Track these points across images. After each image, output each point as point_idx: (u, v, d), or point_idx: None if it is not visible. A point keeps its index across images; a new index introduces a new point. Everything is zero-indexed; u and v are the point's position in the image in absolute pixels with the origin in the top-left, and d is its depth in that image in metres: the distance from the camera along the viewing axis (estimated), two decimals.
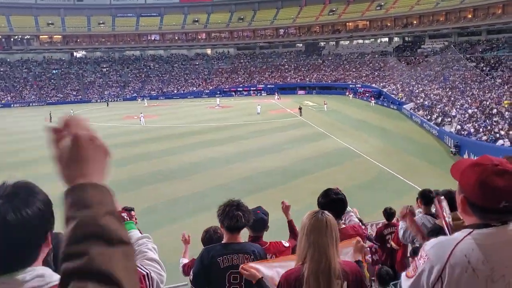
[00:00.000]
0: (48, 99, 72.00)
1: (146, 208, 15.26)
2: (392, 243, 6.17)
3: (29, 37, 79.66)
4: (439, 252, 1.61)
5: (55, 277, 1.34)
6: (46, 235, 1.36)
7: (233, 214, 3.15)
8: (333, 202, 3.34)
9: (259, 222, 3.68)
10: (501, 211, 1.58)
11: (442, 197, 2.64)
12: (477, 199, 1.60)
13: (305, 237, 2.28)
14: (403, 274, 1.81)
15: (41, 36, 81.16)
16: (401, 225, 5.04)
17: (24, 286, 1.28)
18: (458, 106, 35.50)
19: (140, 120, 41.38)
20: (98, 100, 72.81)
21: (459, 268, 1.55)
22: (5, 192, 1.31)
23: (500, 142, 24.56)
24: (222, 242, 3.33)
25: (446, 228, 2.30)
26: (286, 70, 78.37)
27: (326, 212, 2.35)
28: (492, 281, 1.53)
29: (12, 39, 78.84)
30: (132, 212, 6.28)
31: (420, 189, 5.63)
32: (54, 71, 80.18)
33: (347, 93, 62.88)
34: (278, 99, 62.96)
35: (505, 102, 31.92)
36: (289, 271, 2.40)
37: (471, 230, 1.62)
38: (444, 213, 2.39)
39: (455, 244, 1.59)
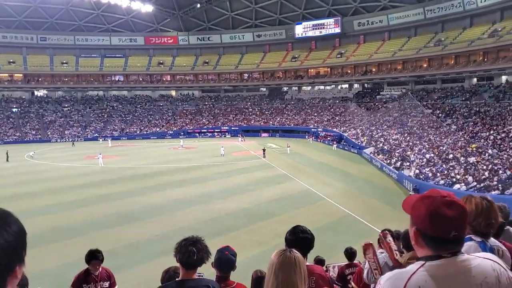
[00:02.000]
0: (6, 138, 69.48)
1: (106, 252, 14.66)
2: (352, 283, 6.22)
3: None
4: (394, 285, 1.66)
5: None
6: (13, 268, 1.31)
7: (186, 249, 3.08)
8: (300, 240, 3.40)
9: (227, 262, 3.65)
10: (451, 241, 1.66)
11: (387, 232, 2.76)
12: (428, 230, 1.68)
13: (273, 276, 2.23)
14: None
15: (1, 74, 79.25)
16: (366, 265, 5.12)
17: None
18: (416, 151, 36.89)
19: (99, 160, 40.37)
20: (58, 140, 70.97)
21: None
22: None
23: (457, 186, 25.59)
24: (177, 279, 3.24)
25: (392, 262, 2.37)
26: (250, 113, 79.52)
27: (294, 250, 2.34)
28: None
29: None
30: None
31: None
32: (14, 110, 77.95)
33: (307, 137, 64.33)
34: (242, 141, 63.42)
35: (472, 146, 33.39)
36: None
37: (424, 262, 1.69)
38: (391, 247, 2.48)
39: (409, 276, 1.65)
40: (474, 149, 32.34)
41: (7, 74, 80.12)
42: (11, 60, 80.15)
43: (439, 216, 1.66)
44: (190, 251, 3.07)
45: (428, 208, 1.68)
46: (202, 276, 3.45)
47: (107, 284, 6.19)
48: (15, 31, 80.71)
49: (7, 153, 45.35)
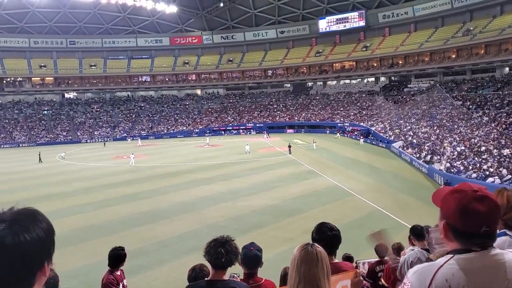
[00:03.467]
0: (38, 139, 71.74)
1: (136, 250, 14.94)
2: (382, 280, 6.10)
3: (21, 79, 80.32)
4: (421, 278, 1.64)
5: None
6: (43, 263, 1.36)
7: (215, 251, 3.09)
8: (327, 238, 3.34)
9: (253, 258, 3.65)
10: (481, 236, 1.61)
11: (431, 229, 2.70)
12: (458, 225, 1.64)
13: (296, 270, 2.23)
14: None
15: (33, 78, 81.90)
16: (401, 262, 5.02)
17: None
18: (447, 144, 35.99)
19: (130, 159, 41.13)
20: (88, 141, 72.78)
21: None
22: (9, 217, 1.34)
23: (490, 179, 24.78)
24: (206, 279, 3.27)
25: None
26: (275, 110, 79.41)
27: (316, 244, 2.33)
28: None
29: (4, 81, 79.38)
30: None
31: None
32: (45, 112, 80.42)
33: (333, 132, 63.92)
34: (267, 137, 63.39)
35: None
36: None
37: (452, 255, 1.65)
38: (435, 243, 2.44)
39: (436, 269, 1.62)
40: None
41: (39, 78, 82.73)
42: (42, 64, 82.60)
43: (470, 211, 1.61)
44: (219, 252, 3.08)
45: (458, 203, 1.64)
46: (236, 276, 3.45)
47: (125, 282, 6.25)
48: (45, 36, 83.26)
49: (39, 154, 46.76)
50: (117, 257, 5.96)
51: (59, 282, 4.18)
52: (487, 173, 26.30)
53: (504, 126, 36.44)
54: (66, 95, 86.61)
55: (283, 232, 17.81)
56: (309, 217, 19.37)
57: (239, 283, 3.26)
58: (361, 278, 2.91)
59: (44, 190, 28.75)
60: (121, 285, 6.00)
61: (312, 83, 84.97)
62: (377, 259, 6.91)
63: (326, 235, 3.36)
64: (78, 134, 75.57)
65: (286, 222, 19.24)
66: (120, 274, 6.05)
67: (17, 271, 1.31)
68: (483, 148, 31.51)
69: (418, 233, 5.22)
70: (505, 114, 39.66)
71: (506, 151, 29.22)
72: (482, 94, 49.65)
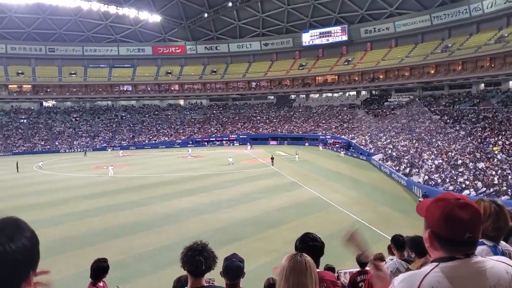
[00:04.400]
0: (15, 149, 70.19)
1: (115, 262, 14.63)
2: None
3: None
4: (408, 286, 1.68)
5: None
6: (28, 273, 1.36)
7: (193, 259, 3.06)
8: (310, 248, 3.36)
9: (235, 270, 3.62)
10: (465, 243, 1.67)
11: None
12: (443, 232, 1.69)
13: (284, 280, 2.23)
14: None
15: (9, 86, 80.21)
16: (388, 264, 5.06)
17: None
18: (425, 157, 36.63)
19: (109, 171, 40.38)
20: (67, 150, 71.49)
21: None
22: None
23: (466, 192, 25.33)
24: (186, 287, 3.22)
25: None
26: (258, 121, 79.64)
27: (304, 254, 2.35)
28: None
29: None
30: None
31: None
32: (22, 121, 78.77)
33: (313, 144, 64.68)
34: (250, 149, 63.42)
35: (495, 148, 33.18)
36: None
37: (437, 263, 1.70)
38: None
39: (422, 277, 1.66)
40: (497, 151, 32.15)
41: (16, 85, 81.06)
42: (20, 71, 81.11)
43: (454, 218, 1.67)
44: (198, 261, 3.04)
45: (442, 211, 1.70)
46: (213, 281, 3.42)
47: None
48: (24, 43, 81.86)
49: (17, 164, 45.76)
50: (100, 269, 5.82)
51: None
52: (463, 185, 26.88)
53: (479, 140, 37.39)
54: (45, 104, 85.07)
55: (266, 243, 17.78)
56: (292, 228, 19.38)
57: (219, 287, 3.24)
58: None
59: (21, 200, 28.11)
60: None
61: (295, 96, 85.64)
62: (358, 269, 6.96)
63: (308, 245, 3.40)
64: (57, 143, 74.15)
65: (269, 234, 19.22)
66: (103, 286, 5.93)
67: (2, 282, 1.29)
68: (459, 162, 32.20)
69: (398, 244, 5.28)
70: (480, 129, 40.72)
71: (481, 165, 29.97)
72: (459, 109, 50.91)
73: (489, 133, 38.60)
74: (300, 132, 71.58)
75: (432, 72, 63.13)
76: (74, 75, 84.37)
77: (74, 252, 17.01)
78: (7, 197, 29.36)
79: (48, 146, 72.76)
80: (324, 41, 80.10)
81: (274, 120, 78.67)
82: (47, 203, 27.03)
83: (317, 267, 3.52)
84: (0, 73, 79.09)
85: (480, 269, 1.66)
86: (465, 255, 1.69)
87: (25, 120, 79.04)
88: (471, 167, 30.06)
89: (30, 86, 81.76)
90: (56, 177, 39.89)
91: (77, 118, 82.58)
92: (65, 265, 15.21)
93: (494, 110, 45.10)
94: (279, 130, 74.67)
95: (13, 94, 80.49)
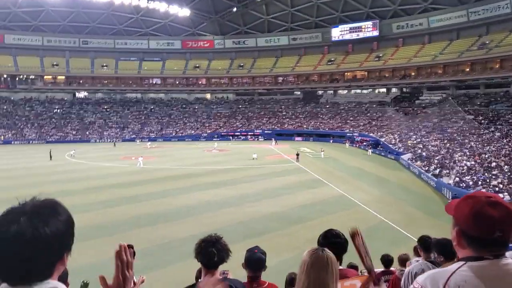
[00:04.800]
0: (48, 137, 72.37)
1: (140, 250, 14.91)
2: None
3: (33, 77, 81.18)
4: (434, 283, 1.64)
5: None
6: (62, 255, 1.43)
7: (206, 251, 3.08)
8: (332, 244, 3.31)
9: (257, 261, 3.65)
10: (494, 242, 1.61)
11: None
12: (472, 230, 1.64)
13: (305, 274, 2.21)
14: None
15: (45, 76, 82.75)
16: (405, 273, 4.95)
17: None
18: (457, 158, 35.68)
19: (138, 162, 41.08)
20: (97, 140, 73.27)
21: None
22: (30, 209, 1.39)
23: (500, 195, 24.52)
24: (200, 280, 3.25)
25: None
26: (284, 117, 79.36)
27: (326, 249, 2.30)
28: None
29: (17, 79, 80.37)
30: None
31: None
32: (56, 110, 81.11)
33: (337, 141, 64.18)
34: (275, 144, 63.31)
35: None
36: None
37: (464, 262, 1.65)
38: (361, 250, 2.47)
39: (449, 275, 1.62)
40: None
41: (50, 77, 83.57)
42: (54, 63, 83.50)
43: (483, 215, 1.61)
44: (210, 252, 3.07)
45: (472, 208, 1.65)
46: (227, 273, 3.44)
47: (135, 279, 6.20)
48: (59, 35, 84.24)
49: (50, 152, 47.15)
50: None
51: (68, 276, 4.21)
52: (497, 189, 26.05)
53: None
54: (77, 94, 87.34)
55: (289, 239, 17.73)
56: (315, 226, 19.25)
57: (234, 281, 3.24)
58: (372, 285, 2.87)
59: (52, 187, 28.90)
60: (132, 282, 5.97)
61: (322, 92, 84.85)
62: (383, 269, 6.85)
63: (331, 241, 3.35)
64: (88, 133, 76.11)
65: (292, 230, 19.16)
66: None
67: (37, 263, 1.37)
68: (493, 164, 31.20)
69: (425, 244, 5.15)
70: None
71: None
72: (495, 109, 49.26)
73: None
74: (327, 129, 70.94)
75: (467, 70, 61.27)
76: (105, 68, 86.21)
77: (101, 239, 17.40)
78: (40, 183, 30.25)
79: (80, 136, 74.73)
80: (354, 36, 78.98)
81: (300, 116, 78.21)
82: (76, 191, 27.74)
83: (340, 264, 3.47)
84: (37, 64, 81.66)
85: (510, 271, 1.60)
86: (494, 256, 1.63)
87: (58, 110, 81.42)
88: (506, 170, 29.08)
89: (64, 77, 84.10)
90: (86, 166, 40.91)
91: (108, 110, 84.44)
92: (91, 252, 15.55)
93: None
94: (305, 126, 74.22)
95: (48, 84, 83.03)
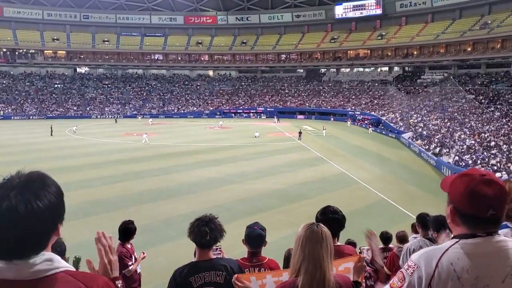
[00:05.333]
0: (49, 113, 72.29)
1: (141, 226, 15.11)
2: (385, 268, 6.14)
3: (33, 51, 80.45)
4: (427, 260, 1.66)
5: (63, 264, 1.44)
6: (56, 225, 1.45)
7: (199, 229, 3.12)
8: (330, 220, 3.37)
9: (257, 237, 3.71)
10: (488, 220, 1.64)
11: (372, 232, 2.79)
12: (466, 208, 1.66)
13: (300, 249, 2.25)
14: (387, 286, 1.83)
15: (45, 51, 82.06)
16: (403, 250, 5.05)
17: (34, 267, 1.38)
18: (457, 137, 35.71)
19: (143, 138, 40.76)
20: (99, 116, 73.17)
21: (445, 276, 1.61)
22: (19, 183, 1.39)
23: (498, 174, 24.60)
24: (193, 260, 3.29)
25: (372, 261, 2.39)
26: (286, 95, 79.03)
27: (321, 224, 2.35)
28: None
29: (17, 53, 79.65)
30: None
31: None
32: (56, 86, 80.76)
33: (338, 119, 64.41)
34: (277, 122, 63.25)
35: None
36: (283, 283, 2.38)
37: (457, 240, 1.68)
38: (373, 248, 2.49)
39: (442, 253, 1.65)
40: None
41: (51, 51, 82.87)
42: (55, 37, 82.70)
43: (478, 194, 1.64)
44: (203, 231, 3.11)
45: (466, 186, 1.67)
46: (220, 248, 3.47)
47: (136, 255, 6.35)
48: (59, 9, 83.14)
49: (51, 127, 47.16)
50: (127, 230, 6.09)
51: (65, 251, 4.27)
52: (495, 167, 26.16)
53: None
54: (78, 70, 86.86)
55: (288, 216, 17.92)
56: (315, 203, 19.38)
57: (228, 260, 3.29)
58: (364, 264, 2.93)
59: (53, 163, 29.05)
60: (133, 257, 6.13)
61: (325, 70, 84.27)
62: (381, 246, 6.96)
63: (328, 217, 3.41)
64: (89, 109, 75.99)
65: (292, 207, 19.35)
66: (130, 247, 6.18)
67: (32, 237, 1.37)
68: (492, 143, 31.26)
69: (423, 222, 5.24)
70: None
71: None
72: (496, 89, 49.01)
73: None
74: (329, 107, 70.75)
75: (469, 49, 60.71)
76: (107, 43, 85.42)
77: (103, 215, 17.61)
78: (40, 159, 30.37)
79: (80, 112, 74.64)
80: (357, 14, 77.96)
81: (303, 94, 77.88)
82: (77, 167, 27.89)
83: (337, 241, 3.55)
84: (37, 39, 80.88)
85: (502, 248, 1.64)
86: (487, 233, 1.66)
87: (59, 85, 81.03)
88: (505, 150, 29.15)
89: (64, 52, 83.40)
90: (87, 142, 41.00)
91: (109, 85, 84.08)
92: (92, 227, 15.75)
93: None
94: (307, 104, 74.00)
95: (48, 59, 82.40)
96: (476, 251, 1.63)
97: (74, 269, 1.48)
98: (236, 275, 2.82)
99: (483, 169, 24.60)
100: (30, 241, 1.37)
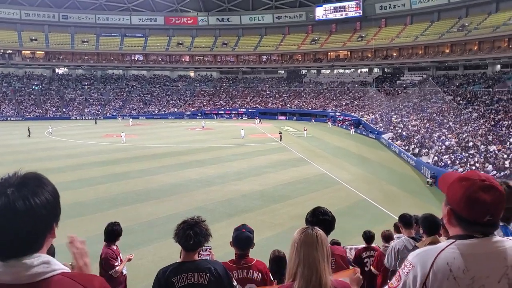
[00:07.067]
0: (27, 114, 70.88)
1: (125, 228, 14.89)
2: (372, 268, 6.23)
3: (11, 51, 78.82)
4: (423, 260, 1.68)
5: (59, 265, 1.43)
6: (52, 226, 1.43)
7: (184, 233, 3.12)
8: (320, 222, 3.41)
9: (245, 240, 3.72)
10: (484, 224, 1.66)
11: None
12: (463, 212, 1.67)
13: (296, 253, 2.25)
14: (386, 287, 1.86)
15: (23, 51, 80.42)
16: (388, 250, 5.14)
17: (31, 270, 1.36)
18: (436, 138, 36.36)
19: (122, 138, 41.03)
20: (78, 118, 72.09)
21: (441, 276, 1.63)
22: (15, 181, 1.39)
23: None
24: (177, 261, 3.28)
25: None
26: (268, 96, 79.23)
27: (316, 227, 2.35)
28: None
29: None
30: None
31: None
32: (35, 87, 79.20)
33: (319, 120, 65.10)
34: (259, 123, 63.35)
35: None
36: (279, 287, 2.38)
37: (454, 240, 1.70)
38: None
39: (438, 252, 1.67)
40: None
41: (29, 51, 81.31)
42: (33, 38, 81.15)
43: (476, 200, 1.64)
44: (187, 235, 3.11)
45: (465, 191, 1.67)
46: (208, 248, 3.49)
47: (122, 256, 6.34)
48: (37, 9, 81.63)
49: (28, 128, 46.28)
50: (113, 232, 6.10)
51: (55, 254, 4.22)
52: (473, 168, 26.70)
53: (492, 122, 36.89)
54: (57, 70, 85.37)
55: (271, 217, 17.98)
56: (297, 203, 19.56)
57: (214, 262, 3.28)
58: (360, 276, 2.94)
59: (32, 165, 28.44)
60: (119, 258, 6.11)
61: (306, 71, 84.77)
62: (364, 245, 7.07)
63: (319, 219, 3.45)
64: (68, 110, 74.75)
65: (274, 208, 19.41)
66: (116, 249, 6.16)
67: (28, 235, 1.36)
68: (470, 144, 31.92)
69: (406, 221, 5.35)
70: (494, 111, 40.13)
71: (492, 148, 29.70)
72: (473, 90, 50.10)
73: (503, 115, 38.04)
74: (310, 108, 71.19)
75: (447, 51, 61.99)
76: (86, 43, 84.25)
77: (84, 217, 17.38)
78: (18, 161, 29.76)
79: (60, 113, 73.41)
80: (337, 16, 78.78)
81: (284, 95, 78.20)
82: (58, 169, 27.41)
83: None
84: (14, 39, 79.26)
85: (498, 248, 1.66)
86: (483, 234, 1.68)
87: (37, 86, 79.50)
88: (483, 150, 29.82)
89: (43, 52, 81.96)
90: (67, 144, 40.35)
91: (88, 86, 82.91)
92: (73, 230, 15.54)
93: (509, 93, 44.31)
94: (288, 105, 74.33)
95: (26, 60, 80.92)
96: (473, 251, 1.64)
97: (70, 271, 1.47)
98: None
99: (482, 172, 25.26)
100: (26, 239, 1.36)
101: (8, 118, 68.44)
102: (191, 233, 3.12)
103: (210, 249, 3.50)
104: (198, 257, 3.30)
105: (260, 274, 3.70)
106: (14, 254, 1.36)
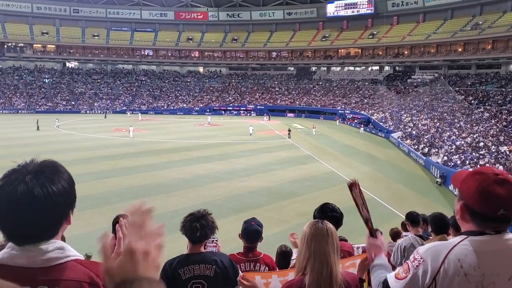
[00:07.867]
0: (38, 107, 71.50)
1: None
2: None
3: (22, 44, 79.45)
4: (434, 255, 1.67)
5: (73, 252, 1.48)
6: (68, 213, 1.46)
7: (190, 225, 3.16)
8: (328, 218, 3.38)
9: (253, 233, 3.76)
10: (498, 219, 1.64)
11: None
12: (477, 206, 1.66)
13: (306, 246, 2.26)
14: (391, 275, 1.84)
15: (34, 45, 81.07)
16: (395, 247, 5.10)
17: (46, 255, 1.40)
18: (446, 138, 36.04)
19: (130, 132, 41.31)
20: (88, 111, 72.57)
21: (452, 272, 1.61)
22: (33, 169, 1.41)
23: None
24: (184, 253, 3.32)
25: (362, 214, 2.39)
26: (277, 92, 79.05)
27: (326, 221, 2.37)
28: (482, 287, 1.60)
29: (5, 46, 78.51)
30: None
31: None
32: (45, 80, 79.86)
33: (327, 118, 64.83)
34: (267, 120, 63.26)
35: None
36: (290, 282, 2.37)
37: (465, 236, 1.69)
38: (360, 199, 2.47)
39: (450, 248, 1.65)
40: None
41: (40, 45, 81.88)
42: (44, 31, 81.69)
43: (490, 194, 1.63)
44: (194, 227, 3.15)
45: (479, 185, 1.66)
46: (215, 240, 3.50)
47: None
48: (49, 2, 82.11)
49: (37, 122, 46.63)
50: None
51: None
52: None
53: (504, 123, 36.45)
54: (67, 64, 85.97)
55: (278, 214, 17.97)
56: (304, 201, 19.53)
57: (220, 255, 3.31)
58: (369, 263, 2.93)
59: (40, 158, 28.68)
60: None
61: (316, 68, 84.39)
62: None
63: (327, 215, 3.43)
64: (78, 104, 75.27)
65: (282, 205, 19.41)
66: None
67: (46, 222, 1.39)
68: (481, 144, 31.60)
69: (413, 219, 5.32)
70: (506, 111, 39.64)
71: (504, 148, 29.36)
72: (485, 90, 49.51)
73: None
74: (319, 106, 70.90)
75: (460, 50, 61.24)
76: (96, 37, 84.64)
77: (92, 210, 17.50)
78: (26, 154, 29.74)
79: (70, 107, 73.95)
80: (349, 12, 78.15)
81: (293, 92, 77.96)
82: (65, 162, 27.07)
83: None
84: (26, 32, 79.88)
85: (510, 246, 1.64)
86: (496, 231, 1.66)
87: (48, 80, 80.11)
88: (493, 150, 29.50)
89: (54, 46, 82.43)
90: (76, 137, 40.65)
91: (99, 80, 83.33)
92: (81, 223, 15.65)
93: None
94: (297, 102, 74.08)
95: (37, 53, 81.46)
96: (484, 248, 1.63)
97: (83, 258, 1.50)
98: (242, 273, 2.84)
99: (496, 167, 24.93)
100: (44, 226, 1.38)
101: (19, 111, 69.10)
102: (198, 226, 3.15)
103: (216, 240, 3.52)
104: (205, 249, 3.34)
105: (267, 267, 3.75)
106: (32, 240, 1.39)
